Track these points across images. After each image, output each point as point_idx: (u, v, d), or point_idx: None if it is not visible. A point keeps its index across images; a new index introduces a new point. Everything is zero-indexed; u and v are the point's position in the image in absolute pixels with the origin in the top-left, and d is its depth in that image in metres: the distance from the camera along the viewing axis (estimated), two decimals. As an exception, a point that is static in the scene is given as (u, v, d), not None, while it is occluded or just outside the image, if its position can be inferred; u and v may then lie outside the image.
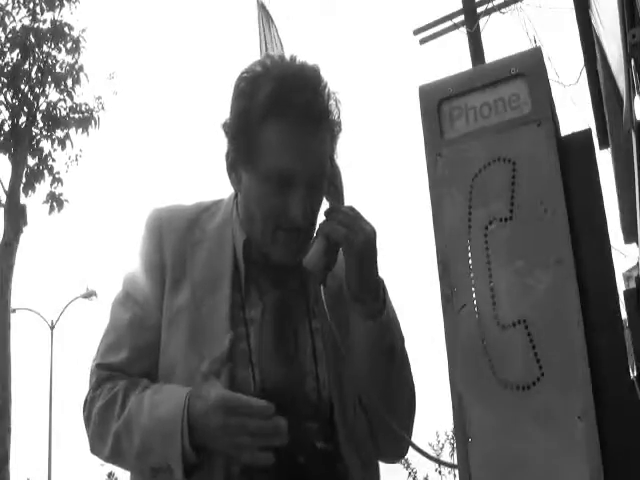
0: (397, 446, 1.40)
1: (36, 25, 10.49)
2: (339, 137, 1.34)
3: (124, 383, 1.31)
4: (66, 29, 10.61)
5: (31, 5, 10.50)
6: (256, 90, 1.26)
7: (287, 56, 1.30)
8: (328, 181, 1.31)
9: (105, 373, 1.34)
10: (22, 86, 10.38)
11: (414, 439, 1.34)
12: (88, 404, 1.34)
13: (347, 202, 1.35)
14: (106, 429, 1.29)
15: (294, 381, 1.32)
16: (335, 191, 1.32)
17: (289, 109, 1.24)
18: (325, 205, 1.34)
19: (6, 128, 10.28)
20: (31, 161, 10.48)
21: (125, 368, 1.33)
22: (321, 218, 1.33)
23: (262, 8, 6.23)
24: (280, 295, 1.36)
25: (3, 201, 10.05)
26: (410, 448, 1.35)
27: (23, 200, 10.18)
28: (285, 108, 1.24)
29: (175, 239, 1.37)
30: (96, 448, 1.33)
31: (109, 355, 1.35)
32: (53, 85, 10.60)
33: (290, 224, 1.28)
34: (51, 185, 10.54)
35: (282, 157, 1.25)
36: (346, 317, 1.32)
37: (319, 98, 1.27)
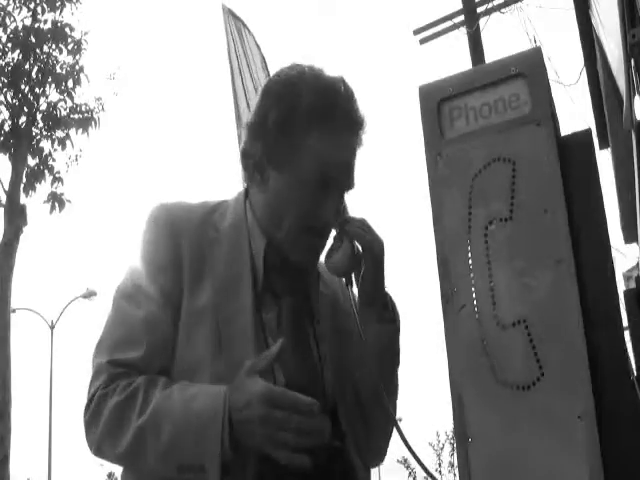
0: (380, 450, 1.48)
1: (37, 25, 10.48)
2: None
3: (143, 379, 1.26)
4: (67, 30, 10.61)
5: (32, 5, 10.49)
6: (297, 98, 1.34)
7: (315, 66, 1.40)
8: None
9: (119, 370, 1.27)
10: (22, 86, 10.36)
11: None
12: (95, 402, 1.26)
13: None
14: (124, 426, 1.23)
15: (310, 380, 1.36)
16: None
17: (333, 119, 1.35)
18: None
19: (6, 128, 10.26)
20: (31, 161, 10.47)
21: (141, 365, 1.28)
22: None
23: (230, 14, 5.97)
24: (292, 299, 1.40)
25: (3, 201, 10.04)
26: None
27: (23, 200, 10.17)
28: (330, 118, 1.34)
29: (192, 236, 1.35)
30: (104, 447, 1.26)
31: (122, 351, 1.29)
32: (53, 85, 10.58)
33: (322, 225, 1.36)
34: (52, 185, 10.53)
35: (325, 162, 1.33)
36: (346, 323, 1.39)
37: (357, 110, 1.38)
